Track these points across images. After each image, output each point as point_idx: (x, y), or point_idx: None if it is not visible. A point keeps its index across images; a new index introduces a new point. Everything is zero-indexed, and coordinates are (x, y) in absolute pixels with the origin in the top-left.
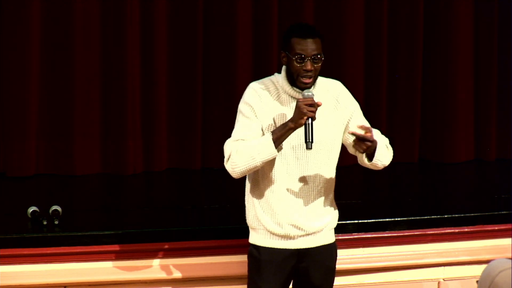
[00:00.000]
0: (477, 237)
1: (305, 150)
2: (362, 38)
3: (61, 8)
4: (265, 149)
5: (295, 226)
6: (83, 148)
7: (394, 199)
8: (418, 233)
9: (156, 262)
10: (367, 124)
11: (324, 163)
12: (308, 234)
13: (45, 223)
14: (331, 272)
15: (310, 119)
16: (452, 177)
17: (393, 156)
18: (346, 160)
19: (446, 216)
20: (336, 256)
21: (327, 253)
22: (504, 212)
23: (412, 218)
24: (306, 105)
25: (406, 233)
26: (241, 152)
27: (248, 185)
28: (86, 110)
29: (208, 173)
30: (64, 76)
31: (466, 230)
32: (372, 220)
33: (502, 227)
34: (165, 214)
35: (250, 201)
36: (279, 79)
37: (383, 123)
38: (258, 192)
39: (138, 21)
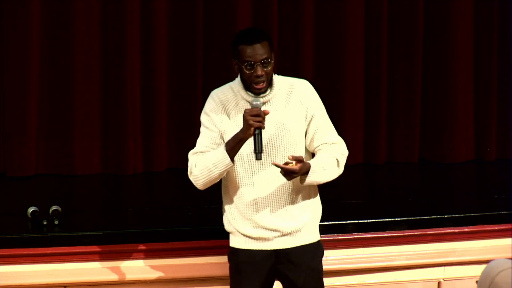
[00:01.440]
0: (477, 237)
1: (267, 153)
2: (362, 39)
3: (61, 8)
4: (221, 161)
5: (266, 228)
6: (83, 148)
7: (394, 199)
8: (418, 233)
9: (156, 262)
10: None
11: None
12: (285, 235)
13: (45, 223)
14: (314, 272)
15: (258, 129)
16: (452, 177)
17: (394, 156)
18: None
19: (446, 216)
20: (321, 255)
21: (307, 253)
22: (504, 212)
23: (412, 218)
24: (252, 115)
25: (406, 233)
26: (199, 165)
27: (222, 191)
28: (86, 110)
29: None
30: (64, 76)
31: (466, 230)
32: (372, 220)
33: (502, 227)
34: (165, 214)
35: (223, 206)
36: (237, 85)
37: (383, 123)
38: (229, 198)
39: (138, 21)
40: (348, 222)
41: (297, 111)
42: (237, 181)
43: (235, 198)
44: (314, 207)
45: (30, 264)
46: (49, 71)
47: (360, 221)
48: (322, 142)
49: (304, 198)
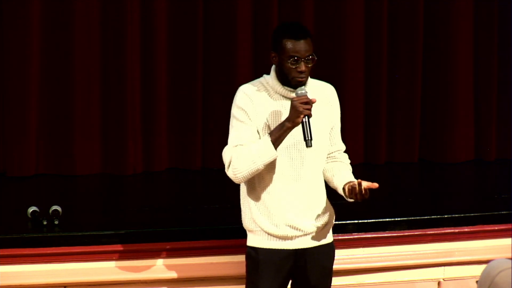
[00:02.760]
0: (477, 237)
1: (299, 149)
2: (362, 39)
3: (61, 9)
4: (265, 151)
5: (292, 226)
6: (83, 148)
7: (394, 199)
8: (418, 233)
9: (156, 262)
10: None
11: (318, 162)
12: (306, 234)
13: (45, 223)
14: (328, 272)
15: (306, 117)
16: (452, 177)
17: (394, 156)
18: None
19: (446, 216)
20: (334, 256)
21: (324, 253)
22: (504, 212)
23: (412, 218)
24: (301, 103)
25: (406, 233)
26: (241, 157)
27: (243, 188)
28: (86, 110)
29: (208, 173)
30: (64, 76)
31: (466, 230)
32: (372, 220)
33: (502, 227)
34: (165, 214)
35: (246, 204)
36: (269, 80)
37: (383, 123)
38: (255, 195)
39: (138, 21)
40: (348, 222)
41: (327, 113)
42: (268, 176)
43: (263, 194)
44: (330, 209)
45: (30, 264)
46: (49, 71)
47: (360, 221)
48: (337, 149)
49: (323, 201)
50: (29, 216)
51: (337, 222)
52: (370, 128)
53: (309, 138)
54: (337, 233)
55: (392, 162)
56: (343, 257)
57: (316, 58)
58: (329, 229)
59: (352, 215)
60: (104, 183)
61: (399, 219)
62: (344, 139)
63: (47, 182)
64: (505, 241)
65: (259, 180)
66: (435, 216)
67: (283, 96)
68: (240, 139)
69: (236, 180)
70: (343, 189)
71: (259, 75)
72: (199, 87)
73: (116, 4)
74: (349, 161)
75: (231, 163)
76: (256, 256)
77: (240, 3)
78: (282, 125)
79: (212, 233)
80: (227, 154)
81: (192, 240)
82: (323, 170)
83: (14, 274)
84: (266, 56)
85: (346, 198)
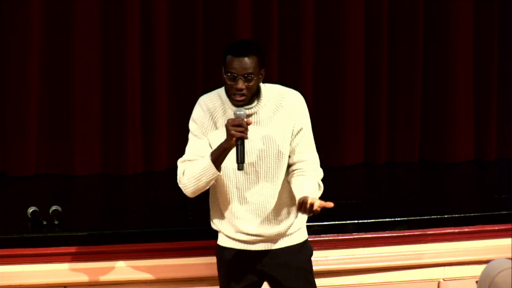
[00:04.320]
0: (477, 237)
1: (252, 163)
2: (362, 38)
3: (61, 8)
4: (207, 171)
5: (251, 234)
6: (83, 148)
7: (394, 199)
8: (418, 233)
9: (156, 262)
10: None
11: (275, 175)
12: (267, 240)
13: (45, 223)
14: (301, 271)
15: (240, 139)
16: (452, 177)
17: (394, 156)
18: (346, 160)
19: (446, 216)
20: (309, 254)
21: (292, 253)
22: (504, 212)
23: (412, 218)
24: (234, 125)
25: (406, 233)
26: (187, 174)
27: (210, 192)
28: (86, 110)
29: None
30: (64, 76)
31: (466, 230)
32: (372, 220)
33: (502, 227)
34: (165, 214)
35: (211, 207)
36: (225, 93)
37: (383, 123)
38: (216, 202)
39: (138, 21)
40: (348, 222)
41: (284, 124)
42: (223, 190)
43: (220, 203)
44: (296, 210)
45: (30, 264)
46: (49, 71)
47: (360, 221)
48: (300, 159)
49: (286, 205)
50: (29, 216)
51: (337, 222)
52: (370, 128)
53: (241, 161)
54: (337, 233)
55: (392, 162)
56: (343, 257)
57: (256, 78)
58: (297, 229)
59: (352, 215)
60: (104, 183)
61: (399, 219)
62: (344, 139)
63: (47, 182)
64: (505, 241)
65: (218, 191)
66: (435, 216)
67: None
68: (191, 154)
69: (187, 195)
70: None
71: None
72: (199, 87)
73: (116, 4)
74: (314, 172)
75: (180, 179)
76: (222, 255)
77: (240, 3)
78: (220, 146)
79: (212, 233)
80: (178, 168)
81: (192, 240)
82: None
83: (14, 274)
84: (266, 56)
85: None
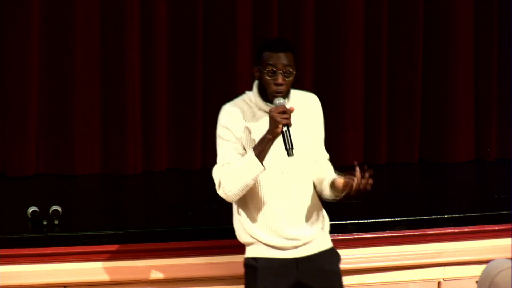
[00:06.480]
0: (477, 237)
1: (290, 164)
2: (362, 38)
3: (61, 8)
4: (251, 166)
5: (288, 238)
6: (83, 148)
7: (394, 199)
8: (418, 233)
9: (156, 262)
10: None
11: (307, 172)
12: (305, 244)
13: (45, 223)
14: (334, 275)
15: (286, 126)
16: (452, 177)
17: (394, 156)
18: (346, 160)
19: (446, 216)
20: (338, 259)
21: (325, 257)
22: (504, 212)
23: (412, 218)
24: (278, 113)
25: (406, 233)
26: (229, 175)
27: (235, 207)
28: (86, 110)
29: (208, 173)
30: (64, 76)
31: (466, 230)
32: (372, 220)
33: (502, 227)
34: (165, 214)
35: (238, 221)
36: (251, 96)
37: (383, 123)
38: (248, 211)
39: (138, 21)
40: (348, 222)
41: (311, 125)
42: (258, 191)
43: (254, 208)
44: (325, 215)
45: (30, 264)
46: (49, 71)
47: (360, 221)
48: (322, 158)
49: (317, 208)
50: (29, 216)
51: (337, 222)
52: (370, 128)
53: (290, 147)
54: (337, 233)
55: (392, 162)
56: (343, 257)
57: (295, 72)
58: (327, 235)
59: (352, 215)
60: (104, 183)
61: (399, 219)
62: (344, 139)
63: (47, 182)
64: (505, 241)
65: (251, 197)
66: (435, 216)
67: (265, 111)
68: (227, 157)
69: (228, 199)
70: (333, 183)
71: None
72: (199, 87)
73: (116, 4)
74: (332, 168)
75: (221, 183)
76: (255, 265)
77: (240, 3)
78: (263, 138)
79: (212, 233)
80: (216, 174)
81: (192, 240)
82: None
83: (14, 274)
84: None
85: (335, 195)
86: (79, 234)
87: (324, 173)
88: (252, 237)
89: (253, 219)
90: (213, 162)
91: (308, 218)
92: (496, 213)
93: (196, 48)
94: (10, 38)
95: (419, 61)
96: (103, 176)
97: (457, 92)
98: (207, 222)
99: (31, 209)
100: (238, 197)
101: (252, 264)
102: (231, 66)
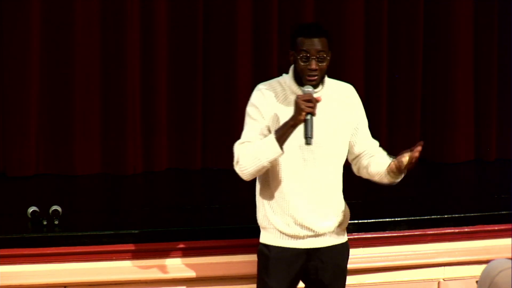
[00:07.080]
0: (477, 237)
1: (311, 150)
2: (362, 38)
3: (61, 8)
4: (269, 148)
5: (304, 226)
6: (83, 148)
7: (394, 199)
8: (418, 233)
9: (156, 262)
10: (369, 135)
11: (331, 163)
12: (318, 235)
13: (45, 223)
14: (341, 271)
15: (309, 115)
16: (452, 177)
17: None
18: (346, 160)
19: (446, 216)
20: (348, 255)
21: (337, 252)
22: (504, 212)
23: (412, 218)
24: (304, 100)
25: (406, 233)
26: (247, 154)
27: (258, 186)
28: (86, 110)
29: (208, 173)
30: (64, 76)
31: (466, 230)
32: (372, 220)
33: (502, 227)
34: (165, 214)
35: (260, 201)
36: (286, 79)
37: (383, 123)
38: (268, 193)
39: (138, 21)
40: (348, 222)
41: (346, 115)
42: (280, 175)
43: (276, 192)
44: (345, 209)
45: (30, 264)
46: (49, 71)
47: (360, 221)
48: (367, 147)
49: (338, 200)
50: (29, 216)
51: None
52: (370, 128)
53: (309, 136)
54: None
55: None
56: None
57: (328, 58)
58: (343, 229)
59: (352, 215)
60: (104, 183)
61: (399, 219)
62: None
63: (47, 182)
64: (505, 241)
65: (273, 179)
66: (435, 216)
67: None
68: (249, 136)
69: (243, 177)
70: (390, 167)
71: (259, 75)
72: (199, 87)
73: (116, 4)
74: (384, 153)
75: (238, 160)
76: (267, 253)
77: (240, 3)
78: (286, 123)
79: (212, 233)
80: (236, 150)
81: (192, 240)
82: (361, 168)
83: (14, 274)
84: (266, 56)
85: (394, 177)
86: (79, 234)
87: (374, 159)
88: (268, 220)
89: (271, 201)
90: (213, 162)
91: (325, 210)
92: (496, 213)
93: (196, 48)
94: (10, 38)
95: (419, 61)
96: (103, 176)
97: (457, 92)
98: (207, 222)
99: (31, 209)
100: (252, 177)
101: (265, 253)
102: (231, 66)
